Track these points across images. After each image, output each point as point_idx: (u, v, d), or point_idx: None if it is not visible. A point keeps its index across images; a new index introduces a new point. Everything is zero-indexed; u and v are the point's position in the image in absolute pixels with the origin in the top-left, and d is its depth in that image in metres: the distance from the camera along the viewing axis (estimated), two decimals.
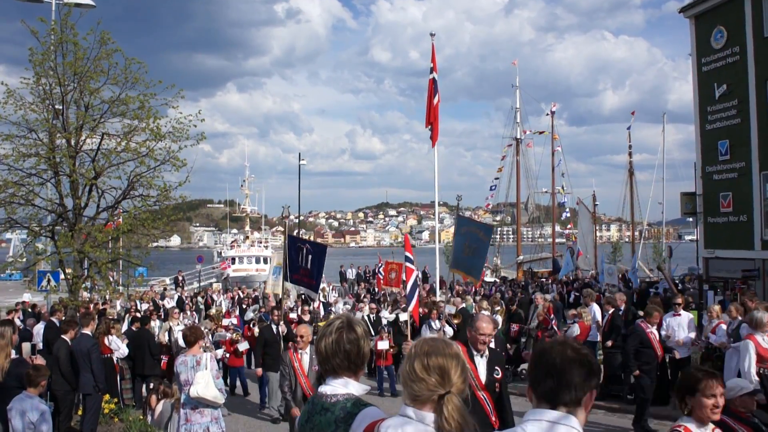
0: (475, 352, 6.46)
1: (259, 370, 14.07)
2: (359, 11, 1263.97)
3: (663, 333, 13.01)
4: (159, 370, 14.58)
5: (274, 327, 14.38)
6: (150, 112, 14.57)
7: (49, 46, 14.21)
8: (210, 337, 14.62)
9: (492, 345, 8.48)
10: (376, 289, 33.09)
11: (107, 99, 14.62)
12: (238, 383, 16.36)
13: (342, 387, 3.31)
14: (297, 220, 48.16)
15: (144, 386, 14.35)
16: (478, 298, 23.52)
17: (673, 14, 25.79)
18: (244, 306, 27.13)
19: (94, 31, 14.36)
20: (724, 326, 12.38)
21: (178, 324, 15.98)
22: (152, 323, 17.19)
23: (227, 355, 15.55)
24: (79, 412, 11.26)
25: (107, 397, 11.65)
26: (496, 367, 6.54)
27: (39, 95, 14.24)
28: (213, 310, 18.92)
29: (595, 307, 15.82)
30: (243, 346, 15.61)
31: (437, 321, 15.30)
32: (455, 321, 16.26)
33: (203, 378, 8.79)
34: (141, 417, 11.26)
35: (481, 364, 6.44)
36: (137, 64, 14.70)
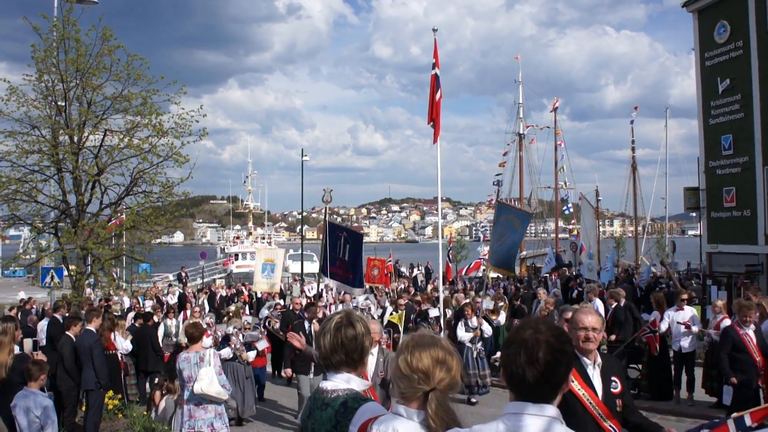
0: (586, 361, 4.72)
1: (289, 371, 12.75)
2: (360, 7, 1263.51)
3: (663, 328, 13.00)
4: (162, 366, 14.59)
5: (306, 325, 12.68)
6: (152, 109, 14.58)
7: (52, 42, 14.22)
8: (240, 338, 13.14)
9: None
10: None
11: (109, 95, 14.64)
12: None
13: (343, 382, 3.32)
14: (301, 216, 48.17)
15: (148, 382, 14.38)
16: (482, 293, 23.48)
17: (675, 9, 25.66)
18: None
19: (96, 28, 14.38)
20: (728, 321, 12.35)
21: None
22: (169, 321, 16.88)
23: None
24: (83, 408, 11.29)
25: (111, 393, 11.68)
26: (614, 378, 4.79)
27: (41, 92, 14.25)
28: (233, 308, 17.23)
29: (598, 302, 15.82)
30: (262, 344, 14.12)
31: (474, 318, 14.34)
32: (493, 317, 15.87)
33: (207, 374, 8.81)
34: (145, 413, 11.30)
35: (596, 377, 4.71)
36: (139, 61, 14.73)
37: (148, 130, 14.67)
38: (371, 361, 7.42)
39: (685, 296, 13.60)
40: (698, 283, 25.99)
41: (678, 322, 12.94)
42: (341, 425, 3.16)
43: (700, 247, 27.79)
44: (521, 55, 58.18)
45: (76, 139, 14.39)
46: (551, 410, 2.49)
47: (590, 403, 4.60)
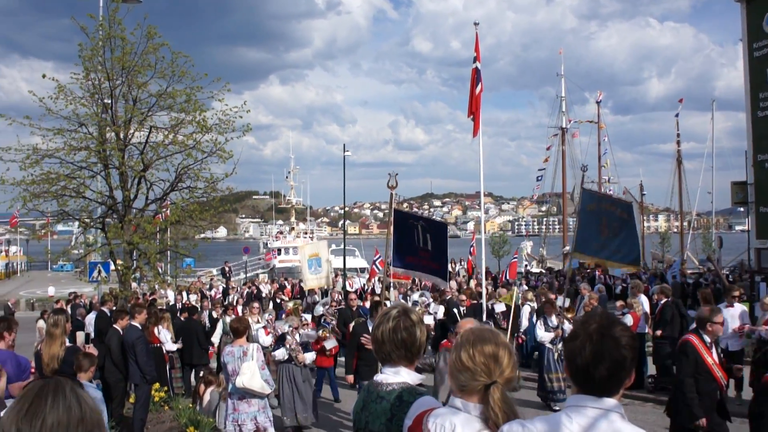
0: None
1: (351, 377, 11.35)
2: (400, 1, 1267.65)
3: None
4: (207, 360, 14.75)
5: (369, 325, 10.99)
6: (196, 105, 14.73)
7: (98, 41, 14.44)
8: (296, 337, 11.68)
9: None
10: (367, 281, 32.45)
11: (154, 93, 14.82)
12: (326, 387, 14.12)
13: (397, 375, 3.33)
14: (343, 211, 48.34)
15: (193, 375, 14.55)
16: (524, 288, 23.33)
17: None
18: (275, 299, 26.48)
19: (141, 26, 14.56)
20: None
21: (257, 321, 14.17)
22: (228, 318, 15.84)
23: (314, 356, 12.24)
24: (131, 400, 11.48)
25: (157, 385, 11.86)
26: None
27: (88, 90, 14.48)
28: (291, 304, 16.09)
29: (643, 298, 15.62)
30: (330, 344, 13.02)
31: (554, 317, 13.39)
32: (569, 315, 15.23)
33: (249, 369, 8.88)
34: (190, 405, 11.45)
35: None
36: (183, 58, 14.88)
37: (192, 126, 14.83)
38: None
39: (736, 293, 13.34)
40: (746, 279, 25.49)
41: (727, 320, 12.67)
42: (396, 418, 3.18)
43: (748, 242, 27.24)
44: (563, 48, 57.24)
45: (122, 135, 14.62)
46: (614, 404, 2.49)
47: None
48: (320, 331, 13.22)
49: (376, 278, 30.60)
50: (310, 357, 11.61)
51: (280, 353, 11.27)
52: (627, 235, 13.57)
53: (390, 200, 12.39)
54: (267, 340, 12.92)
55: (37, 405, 1.93)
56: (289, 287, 31.27)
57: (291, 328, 11.77)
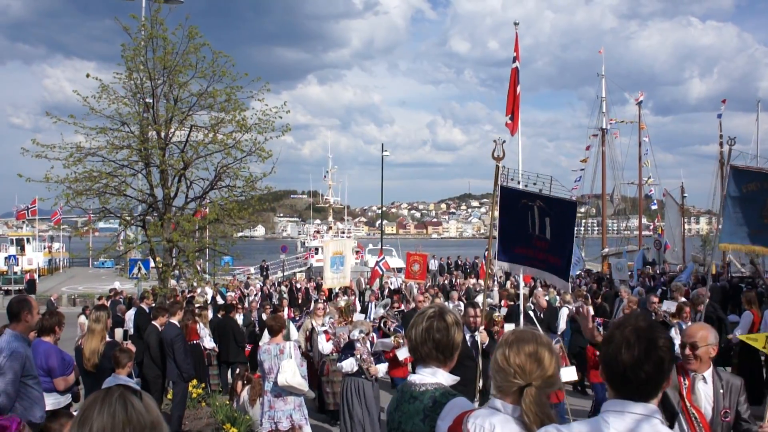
0: None
1: None
2: (438, 1, 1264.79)
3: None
4: (243, 357, 14.84)
5: (467, 334, 8.75)
6: (236, 105, 14.84)
7: (140, 41, 14.63)
8: (367, 346, 9.96)
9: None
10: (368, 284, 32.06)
11: (195, 92, 14.95)
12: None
13: (430, 376, 3.33)
14: (380, 211, 48.38)
15: (229, 372, 14.65)
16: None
17: None
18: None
19: (183, 26, 14.72)
20: None
21: (323, 324, 12.51)
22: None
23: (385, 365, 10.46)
24: (169, 396, 11.60)
25: (195, 382, 11.97)
26: None
27: (131, 89, 14.67)
28: (342, 303, 13.74)
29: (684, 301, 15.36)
30: (403, 353, 10.83)
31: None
32: (674, 321, 14.60)
33: (290, 367, 8.92)
34: (227, 402, 11.55)
35: None
36: (224, 58, 15.00)
37: (232, 125, 14.95)
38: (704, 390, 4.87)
39: None
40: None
41: None
42: (429, 419, 3.18)
43: None
44: (603, 48, 56.38)
45: (163, 134, 14.78)
46: (654, 409, 2.44)
47: None
48: (392, 338, 11.37)
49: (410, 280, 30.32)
50: (382, 369, 10.11)
51: (348, 364, 9.65)
52: None
53: (495, 174, 9.79)
54: (327, 347, 11.52)
55: (88, 413, 2.14)
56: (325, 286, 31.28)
57: (362, 335, 10.01)
